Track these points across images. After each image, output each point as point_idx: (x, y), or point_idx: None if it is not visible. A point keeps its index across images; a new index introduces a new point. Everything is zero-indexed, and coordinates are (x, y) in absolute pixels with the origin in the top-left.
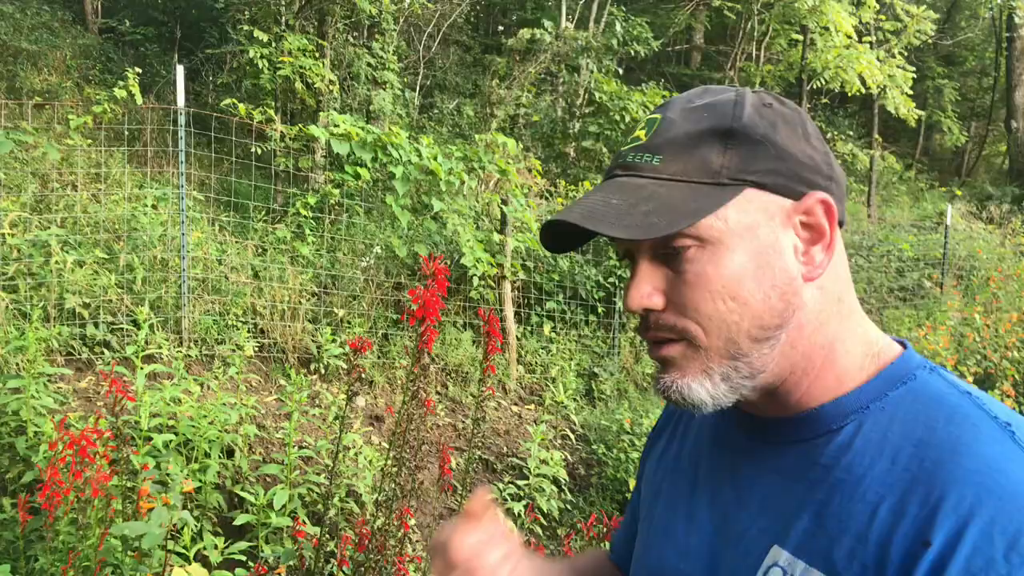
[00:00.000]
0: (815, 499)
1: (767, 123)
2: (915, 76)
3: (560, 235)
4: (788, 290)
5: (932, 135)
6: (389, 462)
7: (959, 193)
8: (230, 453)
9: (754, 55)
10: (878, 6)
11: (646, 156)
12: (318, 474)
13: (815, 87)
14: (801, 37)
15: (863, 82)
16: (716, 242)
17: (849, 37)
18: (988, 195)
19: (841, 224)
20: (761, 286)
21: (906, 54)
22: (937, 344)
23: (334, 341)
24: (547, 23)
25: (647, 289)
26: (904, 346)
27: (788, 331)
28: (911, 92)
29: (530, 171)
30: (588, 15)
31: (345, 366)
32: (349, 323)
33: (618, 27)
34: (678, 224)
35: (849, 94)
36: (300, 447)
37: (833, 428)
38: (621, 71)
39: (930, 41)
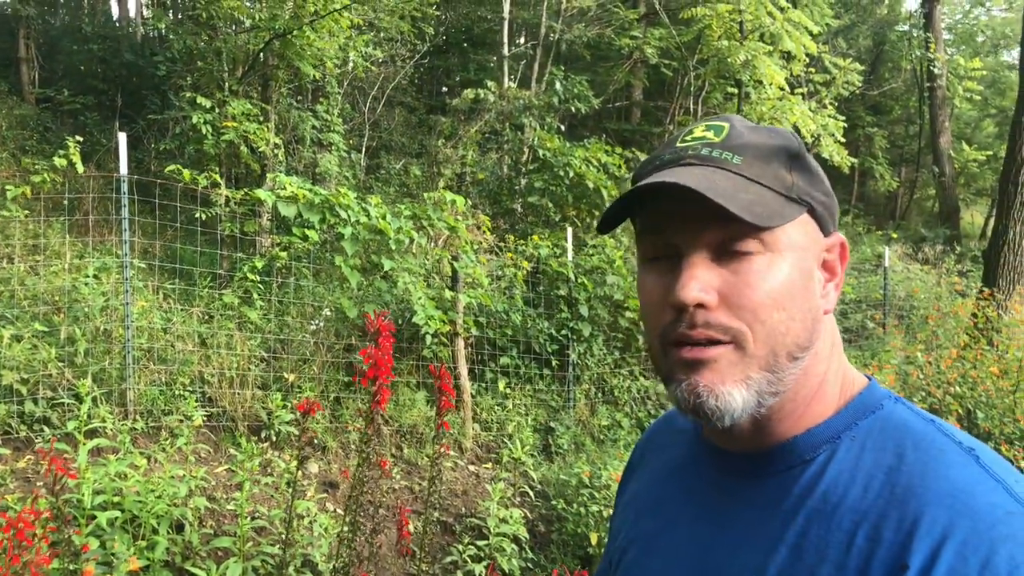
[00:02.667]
0: (792, 530)
1: (815, 161)
2: (846, 125)
3: (627, 207)
4: (816, 316)
5: (866, 181)
6: (345, 528)
7: (895, 236)
8: (179, 528)
9: (692, 109)
10: (808, 59)
11: (726, 153)
12: (272, 544)
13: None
14: (736, 91)
15: (798, 131)
16: (778, 252)
17: (782, 89)
18: (922, 237)
19: None
20: (803, 305)
21: (836, 104)
22: (884, 383)
23: (285, 407)
24: (490, 83)
25: (703, 283)
26: (868, 379)
27: (809, 356)
28: (844, 140)
29: (479, 228)
30: (530, 75)
31: (297, 432)
32: (300, 388)
33: (558, 85)
34: (777, 220)
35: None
36: (253, 517)
37: (807, 458)
38: (563, 128)
39: (858, 92)
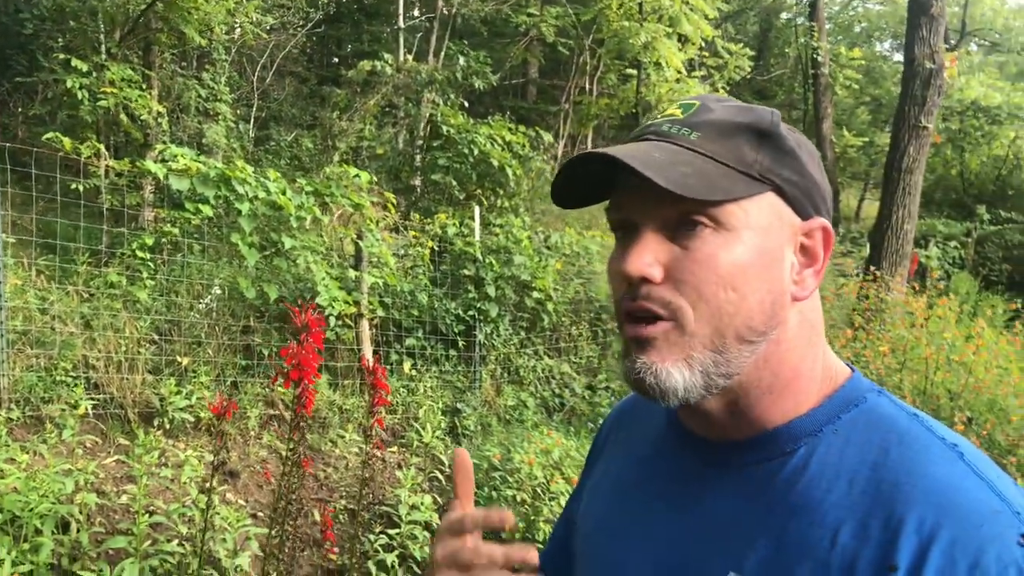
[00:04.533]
0: (773, 523)
1: (794, 140)
2: None
3: (576, 181)
4: (779, 301)
5: None
6: (270, 537)
7: None
8: (66, 527)
9: (587, 88)
10: (702, 43)
11: (684, 130)
12: (170, 541)
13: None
14: (633, 72)
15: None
16: (732, 229)
17: (679, 72)
18: None
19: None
20: (760, 287)
21: (727, 88)
22: None
23: (179, 393)
24: (387, 56)
25: (649, 258)
26: (852, 370)
27: (768, 342)
28: None
29: (384, 205)
30: (426, 49)
31: (192, 419)
32: (194, 372)
33: (461, 60)
34: (713, 194)
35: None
36: (149, 513)
37: (787, 450)
38: (466, 104)
39: (747, 76)
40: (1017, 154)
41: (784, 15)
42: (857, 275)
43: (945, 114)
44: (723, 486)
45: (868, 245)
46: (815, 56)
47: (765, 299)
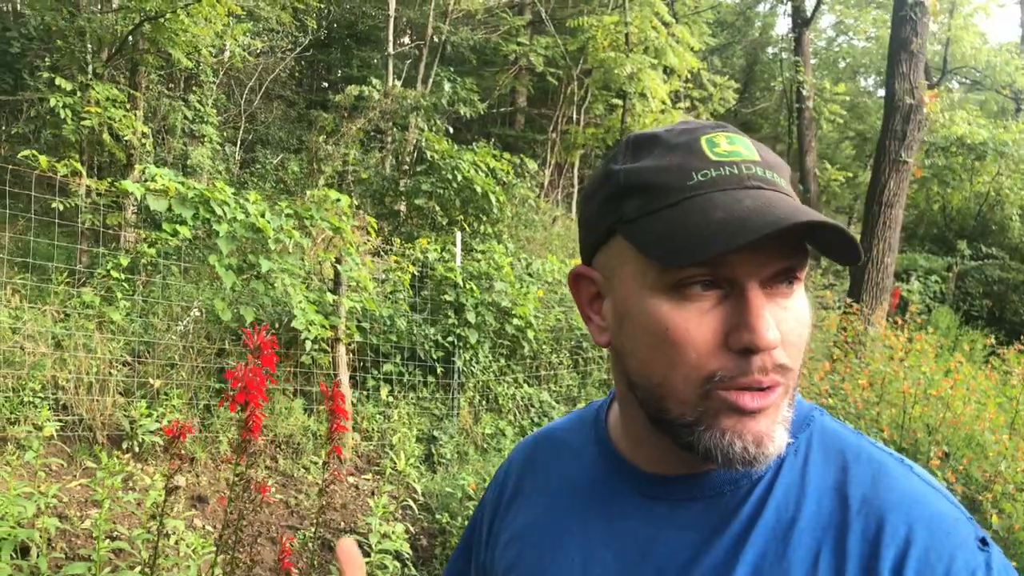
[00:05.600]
0: (748, 551)
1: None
2: None
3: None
4: None
5: None
6: (221, 566)
7: None
8: (25, 552)
9: (575, 118)
10: (688, 75)
11: (773, 174)
12: (132, 568)
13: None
14: (619, 102)
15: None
16: (802, 283)
17: (664, 103)
18: None
19: None
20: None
21: (713, 121)
22: None
23: (149, 415)
24: (375, 81)
25: (773, 322)
26: None
27: None
28: None
29: (365, 229)
30: (415, 75)
31: (162, 443)
32: (167, 394)
33: (447, 86)
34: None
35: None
36: (111, 538)
37: (753, 478)
38: (451, 130)
39: (732, 109)
40: (999, 190)
41: (770, 49)
42: (838, 308)
43: (930, 150)
44: (681, 520)
45: (849, 278)
46: (800, 90)
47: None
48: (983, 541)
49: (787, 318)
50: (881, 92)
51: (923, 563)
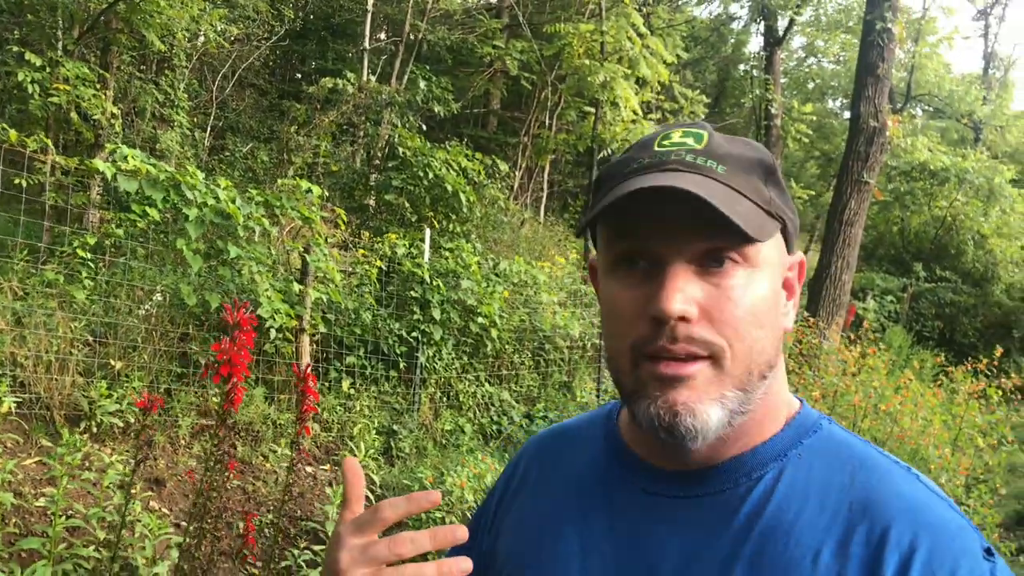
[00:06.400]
0: (746, 548)
1: (784, 178)
2: None
3: (619, 209)
4: (779, 335)
5: None
6: (189, 535)
7: None
8: None
9: (547, 123)
10: (659, 87)
11: (710, 161)
12: (87, 546)
13: (603, 157)
14: (591, 110)
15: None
16: (755, 266)
17: (635, 113)
18: None
19: None
20: (774, 322)
21: (693, 121)
22: None
23: (109, 396)
24: (349, 74)
25: (687, 295)
26: (800, 400)
27: (772, 374)
28: None
29: (335, 222)
30: (390, 71)
31: (121, 424)
32: (127, 376)
33: (422, 84)
34: (764, 233)
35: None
36: (67, 516)
37: (754, 476)
38: (424, 128)
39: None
40: (955, 216)
41: (742, 67)
42: (796, 320)
43: (892, 174)
44: (683, 516)
45: (807, 293)
46: (769, 108)
47: (776, 334)
48: (988, 551)
49: (717, 296)
50: (847, 114)
51: (927, 569)
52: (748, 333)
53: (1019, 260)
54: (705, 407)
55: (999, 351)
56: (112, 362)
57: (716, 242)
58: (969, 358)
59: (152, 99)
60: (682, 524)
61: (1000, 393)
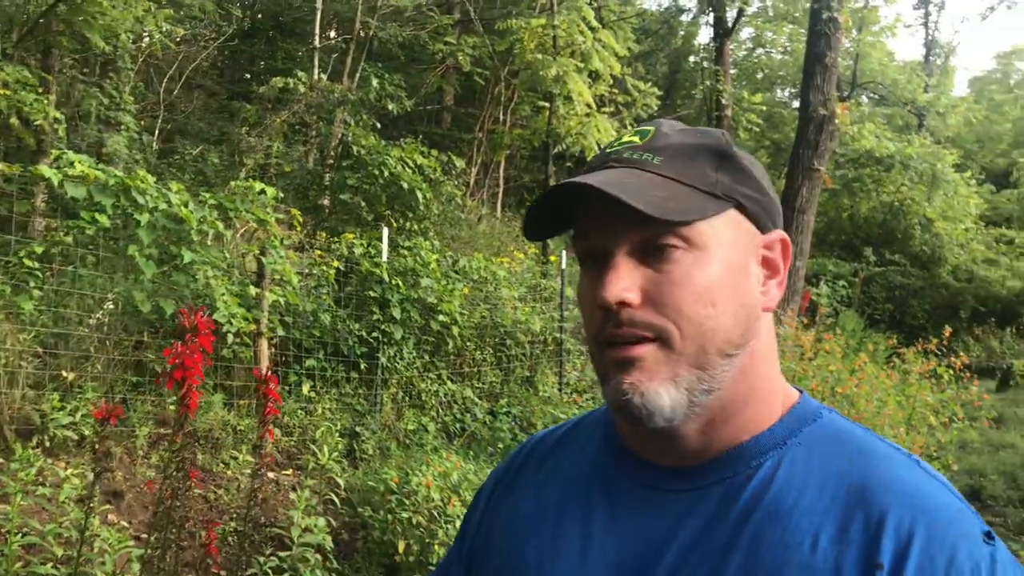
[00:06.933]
0: (744, 535)
1: (748, 159)
2: None
3: (542, 217)
4: (752, 313)
5: None
6: (151, 547)
7: None
8: None
9: (501, 118)
10: (612, 80)
11: (645, 155)
12: (44, 563)
13: (559, 151)
14: (545, 104)
15: (600, 148)
16: (703, 247)
17: (589, 106)
18: None
19: None
20: (733, 300)
21: (635, 125)
22: None
23: (62, 409)
24: (300, 73)
25: (626, 283)
26: (799, 391)
27: (745, 354)
28: None
29: (291, 224)
30: (341, 69)
31: (75, 437)
32: (80, 388)
33: (375, 82)
34: (689, 215)
35: (589, 158)
36: (23, 533)
37: (753, 465)
38: (378, 126)
39: (654, 114)
40: (902, 201)
41: (692, 58)
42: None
43: (840, 161)
44: (677, 510)
45: None
46: (720, 99)
47: (740, 312)
48: (988, 535)
49: (659, 280)
50: (795, 104)
51: (925, 554)
52: (695, 312)
53: (963, 242)
54: (655, 386)
55: (948, 331)
56: (64, 373)
57: (650, 230)
58: (920, 339)
59: (97, 102)
60: (682, 515)
61: (951, 372)
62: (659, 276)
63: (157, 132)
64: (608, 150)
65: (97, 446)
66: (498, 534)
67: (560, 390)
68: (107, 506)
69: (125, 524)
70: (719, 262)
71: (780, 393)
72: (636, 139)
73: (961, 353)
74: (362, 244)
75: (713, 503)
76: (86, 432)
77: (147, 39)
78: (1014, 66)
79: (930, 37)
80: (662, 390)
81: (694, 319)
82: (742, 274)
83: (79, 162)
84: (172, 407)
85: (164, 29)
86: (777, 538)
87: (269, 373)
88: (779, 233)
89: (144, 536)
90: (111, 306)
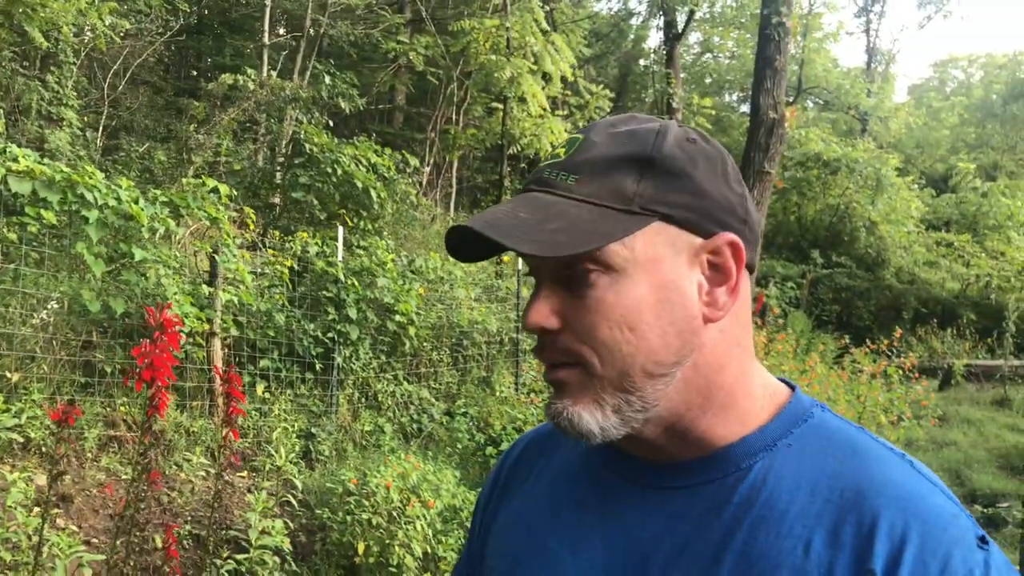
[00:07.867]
0: (736, 538)
1: (687, 158)
2: None
3: (467, 242)
4: (687, 328)
5: None
6: (115, 552)
7: None
8: None
9: (454, 118)
10: (564, 83)
11: (562, 174)
12: None
13: (513, 152)
14: (499, 105)
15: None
16: (620, 270)
17: (543, 108)
18: None
19: (751, 269)
20: (659, 321)
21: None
22: None
23: (7, 411)
24: (250, 71)
25: (545, 310)
26: (792, 387)
27: (684, 369)
28: None
29: (244, 222)
30: (291, 67)
31: (21, 439)
32: (26, 389)
33: (327, 80)
34: (583, 245)
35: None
36: None
37: (743, 467)
38: (331, 124)
39: (606, 117)
40: (848, 204)
41: (642, 62)
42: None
43: (788, 164)
44: (671, 508)
45: None
46: (670, 102)
47: (668, 331)
48: (982, 539)
49: (577, 307)
50: (744, 108)
51: (918, 560)
52: (610, 338)
53: (906, 244)
54: (579, 410)
55: (899, 332)
56: (7, 374)
57: (565, 258)
58: (867, 340)
59: (38, 97)
60: (672, 515)
61: (900, 372)
62: (578, 302)
63: (101, 128)
64: (540, 164)
65: (54, 448)
66: (494, 535)
67: (517, 390)
68: (56, 510)
69: (75, 528)
70: (638, 284)
71: (758, 394)
72: (562, 152)
73: (910, 354)
74: (317, 243)
75: (704, 504)
76: (32, 434)
77: (90, 33)
78: (950, 74)
79: (871, 44)
80: (586, 413)
81: (610, 345)
82: (671, 291)
83: (23, 156)
84: (123, 408)
85: (108, 23)
86: (770, 542)
87: (232, 372)
88: (726, 236)
89: (95, 541)
90: (56, 305)
